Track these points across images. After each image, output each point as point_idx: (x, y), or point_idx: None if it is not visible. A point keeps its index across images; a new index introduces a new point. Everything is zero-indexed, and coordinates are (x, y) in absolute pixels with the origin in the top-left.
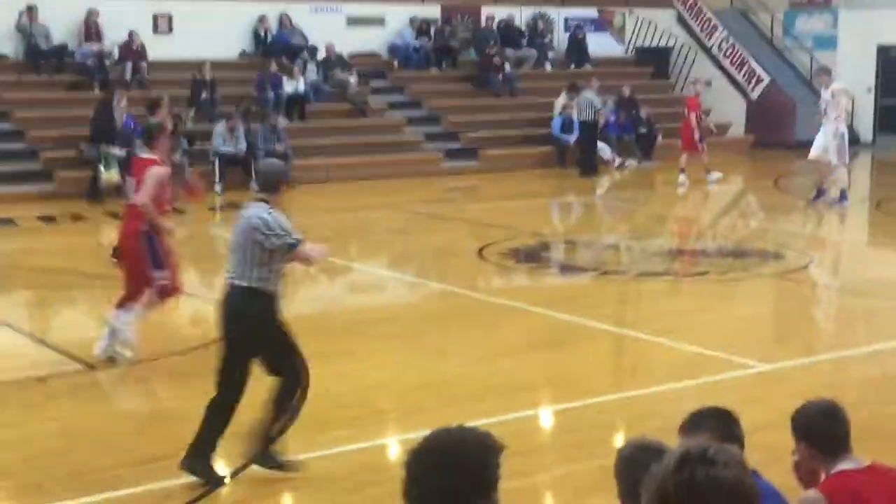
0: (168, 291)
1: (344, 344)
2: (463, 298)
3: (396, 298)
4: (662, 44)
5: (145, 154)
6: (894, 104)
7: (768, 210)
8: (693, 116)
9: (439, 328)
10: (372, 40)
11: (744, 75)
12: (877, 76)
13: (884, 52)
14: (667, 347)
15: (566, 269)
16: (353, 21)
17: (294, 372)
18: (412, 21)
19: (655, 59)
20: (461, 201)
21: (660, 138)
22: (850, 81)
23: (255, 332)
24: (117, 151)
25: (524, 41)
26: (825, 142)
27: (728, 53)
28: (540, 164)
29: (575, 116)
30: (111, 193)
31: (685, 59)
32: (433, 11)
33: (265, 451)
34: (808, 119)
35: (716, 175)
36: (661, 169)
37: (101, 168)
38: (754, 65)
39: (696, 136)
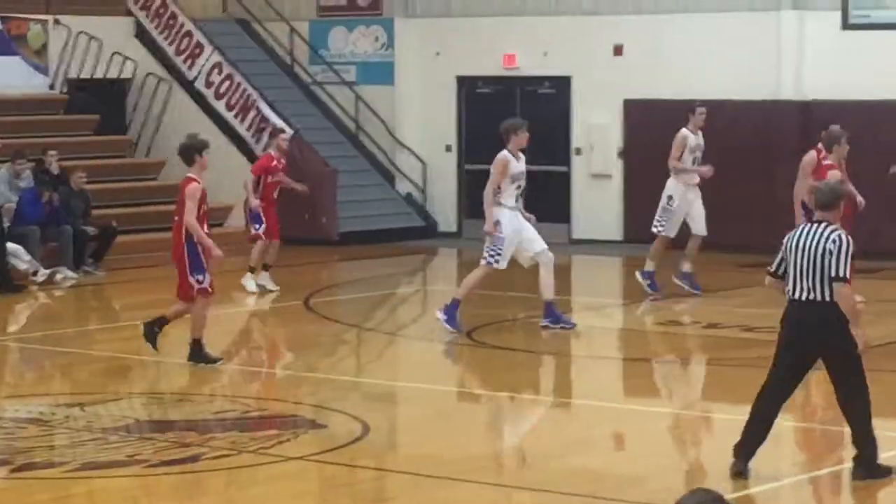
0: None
1: None
2: None
3: None
4: (114, 74)
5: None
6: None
7: (301, 347)
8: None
9: None
10: None
11: (251, 125)
12: (459, 126)
13: (467, 87)
14: None
15: None
16: None
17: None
18: None
19: (103, 100)
20: None
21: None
22: (419, 135)
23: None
24: None
25: None
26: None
27: (224, 90)
28: None
29: None
30: None
31: (152, 100)
32: None
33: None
34: (357, 193)
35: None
36: (120, 284)
37: None
38: (266, 109)
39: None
